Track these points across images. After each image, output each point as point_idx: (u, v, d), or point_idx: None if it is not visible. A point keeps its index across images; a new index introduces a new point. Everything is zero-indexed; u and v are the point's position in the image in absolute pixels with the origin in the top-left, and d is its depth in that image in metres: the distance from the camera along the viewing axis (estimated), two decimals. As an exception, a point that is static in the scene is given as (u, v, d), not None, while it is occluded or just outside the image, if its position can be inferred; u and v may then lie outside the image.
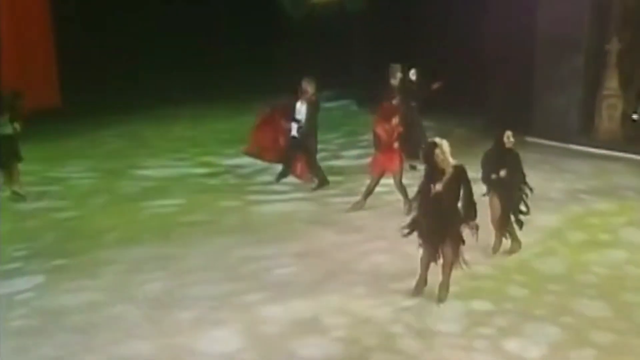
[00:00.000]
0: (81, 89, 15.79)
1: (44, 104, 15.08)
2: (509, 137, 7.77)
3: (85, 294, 7.04)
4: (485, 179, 7.80)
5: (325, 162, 12.12)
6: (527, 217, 8.91)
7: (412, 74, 11.48)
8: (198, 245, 8.34)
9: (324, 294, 6.91)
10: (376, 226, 8.82)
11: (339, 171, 11.53)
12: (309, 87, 10.37)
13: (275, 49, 17.57)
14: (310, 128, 10.48)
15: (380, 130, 9.39)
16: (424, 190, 6.71)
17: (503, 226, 7.82)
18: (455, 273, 7.10)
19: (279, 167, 10.95)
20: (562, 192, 10.14)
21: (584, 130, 12.99)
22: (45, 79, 15.48)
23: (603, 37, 12.59)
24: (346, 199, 9.94)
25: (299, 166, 10.55)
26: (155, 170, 11.80)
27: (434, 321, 6.39)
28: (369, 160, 11.41)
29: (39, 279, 7.53)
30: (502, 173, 7.66)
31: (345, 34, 16.69)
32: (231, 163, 12.16)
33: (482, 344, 5.98)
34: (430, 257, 6.82)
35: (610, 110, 12.72)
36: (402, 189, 9.34)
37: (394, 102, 10.04)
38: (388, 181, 10.63)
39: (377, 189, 10.23)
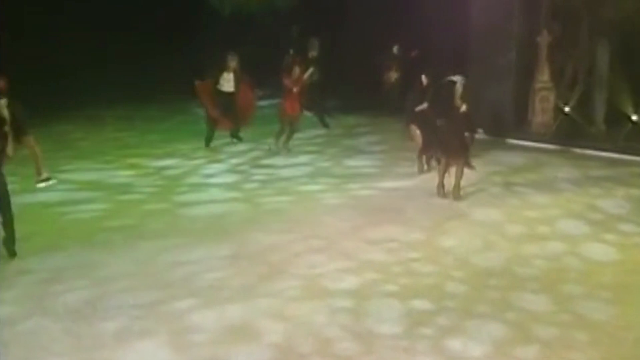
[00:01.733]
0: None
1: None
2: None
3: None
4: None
5: (256, 161, 11.82)
6: (465, 211, 8.87)
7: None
8: (123, 251, 7.85)
9: (257, 298, 6.54)
10: (311, 224, 8.51)
11: (272, 170, 11.19)
12: (232, 62, 12.55)
13: (203, 46, 17.09)
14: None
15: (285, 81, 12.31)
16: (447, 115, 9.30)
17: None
18: (392, 271, 7.01)
19: (208, 167, 10.70)
20: (499, 185, 10.04)
21: (518, 123, 13.00)
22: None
23: (534, 29, 12.60)
24: (278, 198, 9.62)
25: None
26: (79, 173, 11.21)
27: (372, 323, 6.09)
28: (300, 158, 11.31)
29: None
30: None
31: (275, 31, 16.38)
32: (160, 164, 11.68)
33: (424, 345, 5.70)
34: (445, 165, 9.36)
35: (543, 103, 12.77)
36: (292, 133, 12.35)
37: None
38: (322, 179, 10.44)
39: (310, 187, 10.00)
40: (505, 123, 12.90)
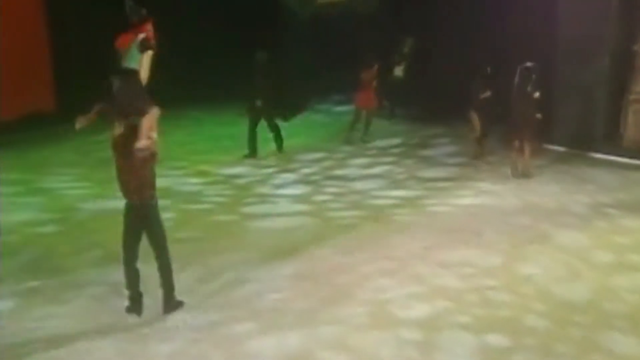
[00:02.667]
0: (77, 91, 15.27)
1: (38, 108, 14.58)
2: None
3: (52, 323, 6.37)
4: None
5: (330, 171, 11.50)
6: (548, 233, 8.30)
7: None
8: (187, 265, 7.63)
9: (320, 325, 6.19)
10: (381, 243, 8.12)
11: (344, 182, 10.83)
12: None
13: (281, 50, 16.91)
14: None
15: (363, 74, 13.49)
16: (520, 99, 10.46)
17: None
18: (466, 299, 6.57)
19: (278, 177, 10.43)
20: (585, 206, 9.36)
21: (609, 137, 12.20)
22: (39, 81, 14.90)
23: (630, 36, 11.80)
24: (350, 212, 9.27)
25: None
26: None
27: (442, 359, 5.66)
28: (375, 169, 10.91)
29: (8, 304, 6.89)
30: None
31: (355, 36, 16.01)
32: (230, 172, 11.52)
33: (498, 388, 5.25)
34: (519, 146, 10.63)
35: (637, 115, 11.93)
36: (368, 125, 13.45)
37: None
38: (397, 193, 10.04)
39: (383, 201, 9.62)
40: (594, 136, 12.13)
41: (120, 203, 9.79)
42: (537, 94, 10.36)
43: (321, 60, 16.69)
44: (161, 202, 9.73)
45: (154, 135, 6.21)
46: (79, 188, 10.76)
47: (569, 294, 6.78)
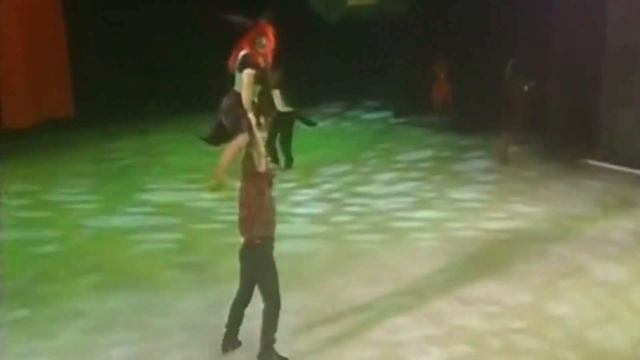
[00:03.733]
0: (98, 97, 15.09)
1: (57, 114, 14.37)
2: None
3: (34, 362, 5.98)
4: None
5: (352, 187, 10.96)
6: (584, 264, 7.67)
7: None
8: (188, 295, 7.20)
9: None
10: (399, 273, 7.55)
11: (367, 199, 10.28)
12: None
13: (310, 54, 16.42)
14: None
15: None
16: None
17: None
18: (487, 344, 6.06)
19: (298, 193, 9.97)
20: (629, 233, 8.61)
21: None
22: (58, 87, 14.68)
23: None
24: (369, 236, 8.73)
25: None
26: (161, 194, 10.76)
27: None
28: (401, 186, 10.30)
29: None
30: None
31: (384, 39, 15.43)
32: (247, 186, 11.01)
33: None
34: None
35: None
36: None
37: None
38: (422, 214, 9.49)
39: (406, 224, 9.07)
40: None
41: (125, 219, 9.58)
42: (526, 87, 11.53)
43: (351, 64, 16.19)
44: (170, 221, 9.57)
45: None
46: (86, 202, 10.41)
47: (605, 341, 6.15)
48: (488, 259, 7.88)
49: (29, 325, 6.71)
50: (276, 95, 9.60)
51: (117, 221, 9.56)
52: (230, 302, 6.88)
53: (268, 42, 7.99)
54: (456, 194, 10.38)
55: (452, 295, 6.99)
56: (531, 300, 6.89)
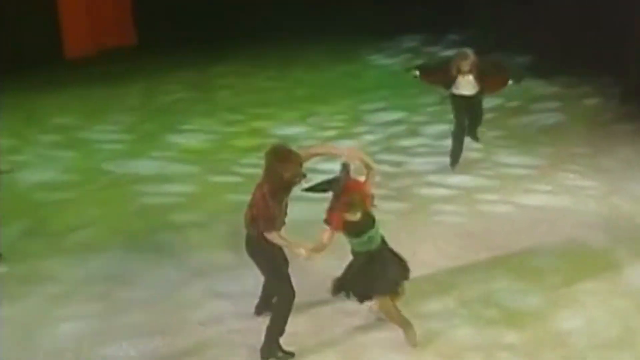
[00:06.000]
0: (162, 25, 14.56)
1: (119, 42, 13.99)
2: None
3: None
4: None
5: (395, 140, 9.91)
6: (621, 262, 6.48)
7: None
8: (168, 263, 6.66)
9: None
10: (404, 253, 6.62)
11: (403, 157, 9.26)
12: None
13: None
14: None
15: None
16: None
17: None
18: None
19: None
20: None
21: None
22: (119, 14, 14.24)
23: None
24: (390, 204, 7.73)
25: None
26: (193, 136, 10.22)
27: None
28: (447, 142, 9.07)
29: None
30: None
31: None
32: (286, 133, 10.24)
33: None
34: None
35: None
36: None
37: None
38: (456, 179, 8.41)
39: (433, 191, 8.07)
40: None
41: (145, 165, 9.10)
42: None
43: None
44: (188, 170, 9.00)
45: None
46: (116, 142, 10.05)
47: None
48: (506, 246, 6.79)
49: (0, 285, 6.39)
50: (469, 80, 8.26)
51: (137, 167, 9.13)
52: (210, 276, 6.41)
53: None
54: (504, 157, 9.16)
55: (447, 292, 6.04)
56: (538, 306, 5.84)
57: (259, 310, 5.67)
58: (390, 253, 5.33)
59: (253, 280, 5.89)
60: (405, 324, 5.32)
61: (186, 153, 9.56)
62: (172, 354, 5.36)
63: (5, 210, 7.81)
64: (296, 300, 5.24)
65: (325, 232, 5.06)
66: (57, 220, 7.64)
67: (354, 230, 5.12)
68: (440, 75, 8.52)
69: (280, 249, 5.19)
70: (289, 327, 5.24)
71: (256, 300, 5.78)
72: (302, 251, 5.03)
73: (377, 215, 5.30)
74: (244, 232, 5.26)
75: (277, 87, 12.80)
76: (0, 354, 5.39)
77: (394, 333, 5.42)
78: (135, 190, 8.36)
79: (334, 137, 10.03)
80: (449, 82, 8.30)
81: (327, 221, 5.09)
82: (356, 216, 5.02)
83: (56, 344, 5.50)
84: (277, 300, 5.24)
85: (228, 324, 5.68)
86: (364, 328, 5.55)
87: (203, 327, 5.67)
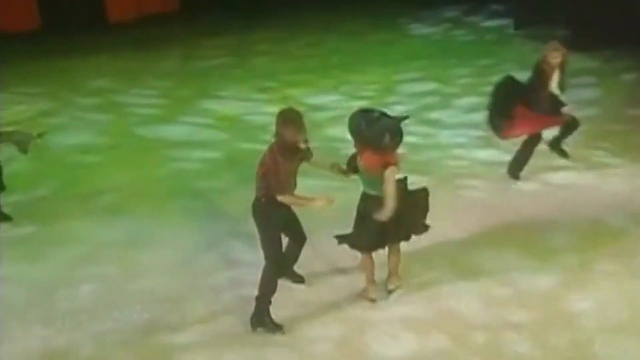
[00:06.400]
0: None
1: (161, 8, 14.06)
2: None
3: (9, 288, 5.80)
4: None
5: (425, 112, 9.72)
6: (636, 251, 6.27)
7: None
8: (189, 228, 6.70)
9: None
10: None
11: (433, 129, 9.10)
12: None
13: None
14: None
15: None
16: None
17: None
18: (470, 342, 5.08)
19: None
20: None
21: None
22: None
23: None
24: (413, 177, 7.61)
25: None
26: (226, 102, 10.24)
27: None
28: (477, 116, 8.85)
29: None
30: None
31: None
32: (315, 102, 10.17)
33: None
34: None
35: None
36: None
37: None
38: (484, 153, 8.24)
39: (460, 163, 7.92)
40: None
41: (176, 131, 9.13)
42: None
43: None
44: (218, 136, 9.01)
45: None
46: (150, 107, 10.13)
47: (618, 356, 4.94)
48: (525, 224, 6.64)
49: (27, 244, 6.58)
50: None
51: (168, 132, 9.19)
52: (228, 244, 6.41)
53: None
54: (539, 132, 8.89)
55: (459, 267, 5.94)
56: (551, 286, 5.68)
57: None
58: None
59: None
60: (370, 280, 5.45)
61: (218, 119, 9.58)
62: (185, 320, 5.40)
63: (38, 171, 8.02)
64: (308, 270, 5.28)
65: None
66: (87, 183, 7.76)
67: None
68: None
69: (284, 214, 5.18)
70: (297, 296, 5.26)
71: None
72: (318, 202, 5.02)
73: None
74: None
75: (313, 55, 12.68)
76: (20, 313, 5.51)
77: (402, 310, 5.39)
78: (164, 155, 8.43)
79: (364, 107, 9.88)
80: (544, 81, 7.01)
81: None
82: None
83: (74, 305, 5.59)
84: (264, 267, 5.20)
85: (243, 291, 5.69)
86: (373, 305, 5.51)
87: (217, 293, 5.70)
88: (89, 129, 9.29)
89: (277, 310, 5.22)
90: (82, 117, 9.67)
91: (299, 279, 5.72)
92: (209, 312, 5.47)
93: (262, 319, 5.20)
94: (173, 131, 9.15)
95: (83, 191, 7.57)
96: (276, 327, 5.19)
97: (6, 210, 7.02)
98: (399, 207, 5.07)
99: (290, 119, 4.98)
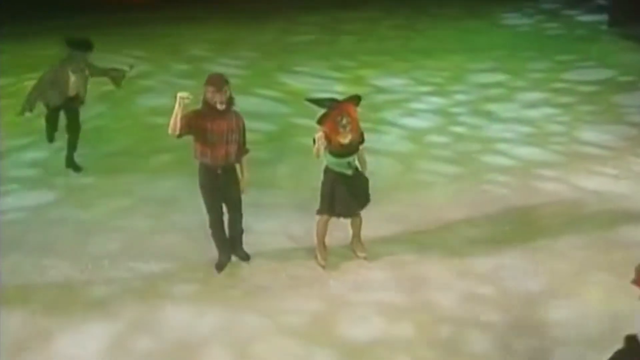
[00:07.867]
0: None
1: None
2: None
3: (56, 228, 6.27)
4: None
5: (483, 103, 9.34)
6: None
7: None
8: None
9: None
10: (433, 216, 6.41)
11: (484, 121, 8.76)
12: None
13: None
14: None
15: None
16: None
17: None
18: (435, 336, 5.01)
19: (419, 101, 9.23)
20: None
21: None
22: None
23: None
24: (447, 167, 7.46)
25: None
26: (302, 77, 10.29)
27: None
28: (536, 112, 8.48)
29: (48, 196, 6.96)
30: None
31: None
32: (386, 83, 10.04)
33: None
34: None
35: None
36: None
37: None
38: (523, 151, 7.89)
39: (496, 159, 7.63)
40: None
41: (247, 102, 9.23)
42: None
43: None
44: (279, 110, 9.18)
45: None
46: (233, 77, 9.42)
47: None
48: (537, 226, 6.35)
49: (83, 192, 7.08)
50: None
51: (239, 103, 9.27)
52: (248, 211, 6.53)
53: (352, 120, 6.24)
54: (587, 134, 8.37)
55: (453, 262, 5.80)
56: (536, 291, 5.45)
57: None
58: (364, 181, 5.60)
59: (285, 219, 6.33)
60: (321, 249, 5.71)
61: (286, 93, 9.68)
62: (184, 277, 5.64)
63: (117, 129, 8.51)
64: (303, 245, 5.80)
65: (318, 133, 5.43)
66: (150, 143, 8.10)
67: (338, 151, 5.41)
68: None
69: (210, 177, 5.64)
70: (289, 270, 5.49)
71: (285, 238, 6.04)
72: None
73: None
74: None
75: (398, 36, 12.45)
76: (58, 249, 5.98)
77: (383, 295, 5.37)
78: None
79: (426, 93, 9.71)
80: None
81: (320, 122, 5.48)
82: (346, 138, 5.33)
83: (101, 251, 5.98)
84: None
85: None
86: (357, 286, 5.52)
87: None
88: (171, 93, 9.60)
89: (269, 282, 5.46)
90: (170, 81, 10.05)
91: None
92: (208, 274, 5.68)
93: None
94: (242, 101, 9.23)
95: (145, 150, 7.95)
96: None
97: (78, 160, 7.56)
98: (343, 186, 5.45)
99: (210, 80, 5.47)
